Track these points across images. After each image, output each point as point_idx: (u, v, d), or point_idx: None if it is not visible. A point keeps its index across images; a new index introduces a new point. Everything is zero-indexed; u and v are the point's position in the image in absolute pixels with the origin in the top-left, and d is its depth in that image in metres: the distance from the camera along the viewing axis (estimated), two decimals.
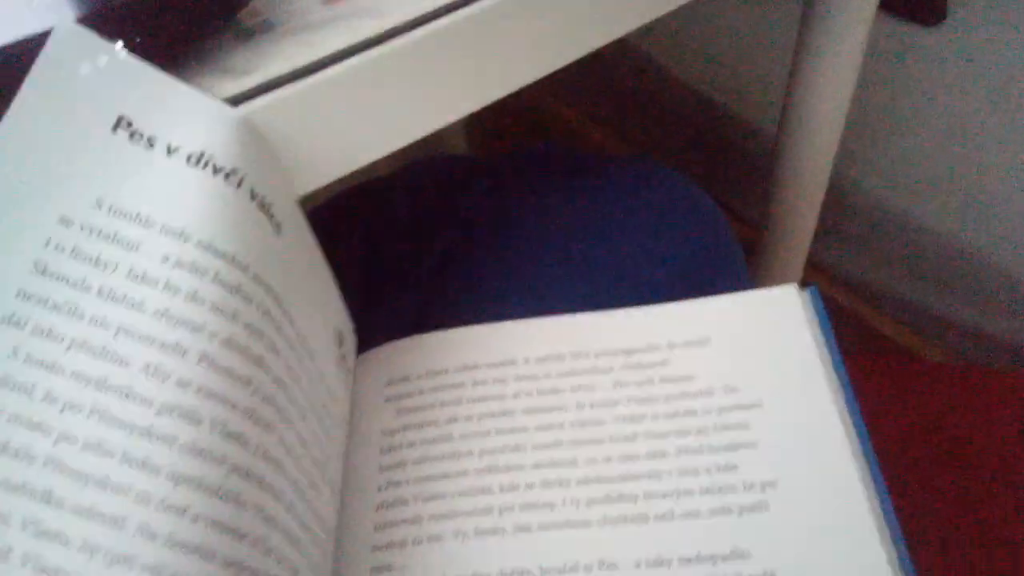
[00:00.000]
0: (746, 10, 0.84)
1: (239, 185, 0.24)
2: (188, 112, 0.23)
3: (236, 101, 0.24)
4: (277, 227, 0.25)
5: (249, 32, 0.26)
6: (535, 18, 0.29)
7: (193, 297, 0.22)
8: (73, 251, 0.21)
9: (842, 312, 0.76)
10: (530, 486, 0.29)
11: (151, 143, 0.23)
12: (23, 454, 0.19)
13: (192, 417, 0.21)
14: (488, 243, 0.42)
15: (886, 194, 0.72)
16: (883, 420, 0.59)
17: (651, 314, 0.34)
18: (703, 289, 0.34)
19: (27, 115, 0.21)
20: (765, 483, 0.28)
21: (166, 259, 0.22)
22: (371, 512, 0.30)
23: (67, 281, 0.21)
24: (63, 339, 0.21)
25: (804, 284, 0.33)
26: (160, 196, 0.22)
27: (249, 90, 0.24)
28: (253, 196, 0.24)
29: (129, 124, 0.23)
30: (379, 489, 0.30)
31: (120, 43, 0.23)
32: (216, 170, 0.23)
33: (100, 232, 0.22)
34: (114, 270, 0.21)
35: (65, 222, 0.21)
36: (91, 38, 0.22)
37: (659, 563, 0.26)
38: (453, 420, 0.31)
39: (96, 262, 0.21)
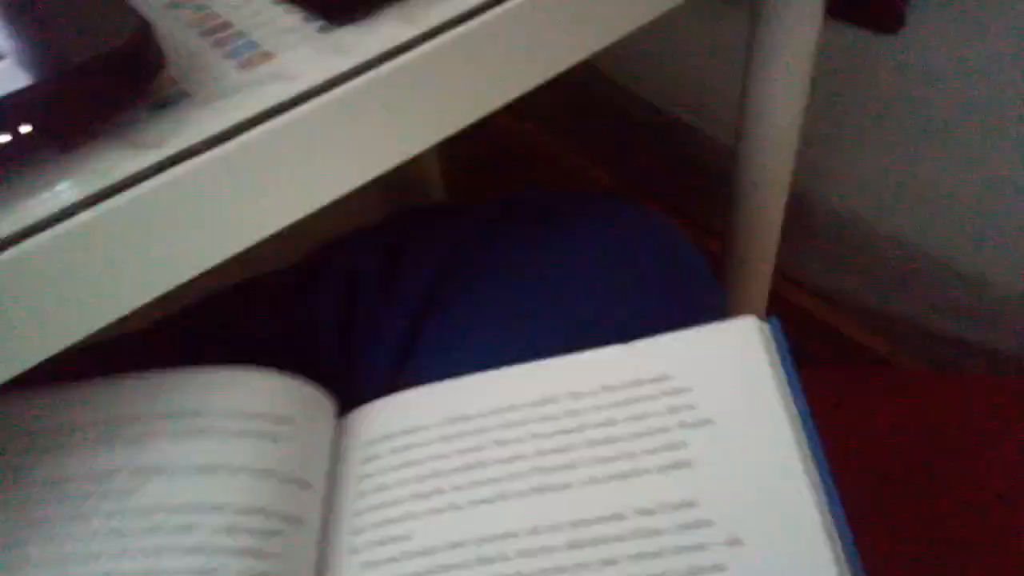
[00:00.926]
0: (699, 25, 0.84)
1: None
2: None
3: (144, 176, 0.25)
4: None
5: (162, 103, 0.26)
6: (466, 67, 0.30)
7: None
8: None
9: (814, 321, 0.76)
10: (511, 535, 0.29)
11: None
12: None
13: None
14: (463, 293, 0.43)
15: (852, 203, 0.72)
16: (856, 426, 0.60)
17: (612, 354, 0.34)
18: (681, 326, 0.34)
19: None
20: (722, 523, 0.28)
21: None
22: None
23: None
24: None
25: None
26: None
27: (158, 162, 0.25)
28: None
29: None
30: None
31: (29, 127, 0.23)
32: None
33: None
34: None
35: None
36: None
37: None
38: (435, 474, 0.32)
39: None
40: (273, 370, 0.35)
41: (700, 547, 0.27)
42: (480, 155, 0.97)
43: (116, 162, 0.25)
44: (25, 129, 0.23)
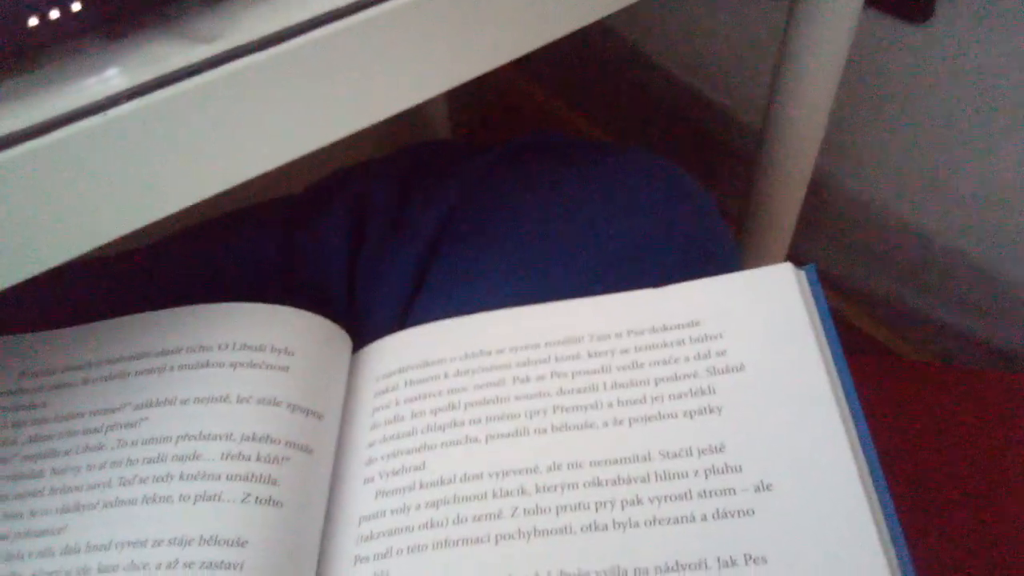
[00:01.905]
0: (733, 2, 0.83)
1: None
2: None
3: (196, 70, 0.23)
4: None
5: None
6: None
7: None
8: None
9: None
10: (534, 470, 0.28)
11: None
12: None
13: None
14: (474, 230, 0.42)
15: (867, 190, 0.71)
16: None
17: (639, 298, 0.33)
18: (694, 276, 0.33)
19: None
20: (756, 469, 0.27)
21: None
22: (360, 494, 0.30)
23: None
24: None
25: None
26: None
27: (211, 57, 0.23)
28: None
29: None
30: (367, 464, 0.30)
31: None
32: None
33: None
34: None
35: None
36: None
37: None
38: (452, 407, 0.31)
39: None
40: (283, 305, 0.34)
41: (728, 492, 0.27)
42: (492, 119, 0.96)
43: (167, 54, 0.23)
44: (76, 7, 0.22)
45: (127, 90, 0.22)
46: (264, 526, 0.28)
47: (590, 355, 0.31)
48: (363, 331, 0.37)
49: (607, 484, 0.27)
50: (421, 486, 0.29)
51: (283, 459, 0.30)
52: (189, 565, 0.27)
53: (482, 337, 0.33)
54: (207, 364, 0.32)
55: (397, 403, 0.32)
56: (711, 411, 0.29)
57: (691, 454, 0.28)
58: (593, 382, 0.30)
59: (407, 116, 0.29)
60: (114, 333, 0.34)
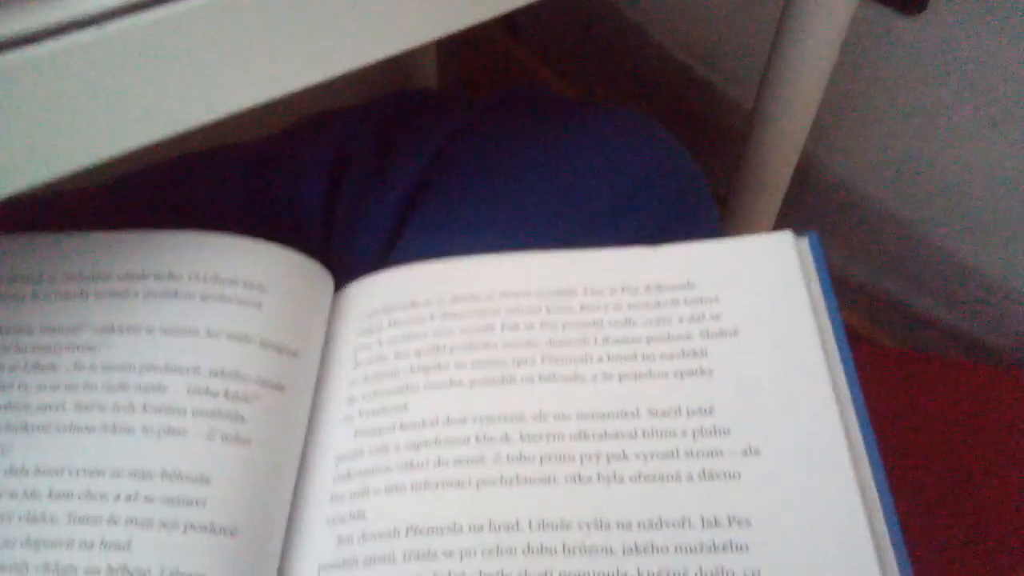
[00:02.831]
0: None
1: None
2: None
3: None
4: None
5: None
6: None
7: None
8: None
9: None
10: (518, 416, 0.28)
11: None
12: None
13: None
14: (458, 179, 0.40)
15: (852, 176, 0.72)
16: None
17: (636, 255, 0.32)
18: (676, 236, 0.33)
19: None
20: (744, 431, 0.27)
21: None
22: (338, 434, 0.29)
23: None
24: None
25: None
26: None
27: None
28: None
29: None
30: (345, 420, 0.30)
31: None
32: None
33: None
34: None
35: None
36: None
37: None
38: (437, 349, 0.30)
39: None
40: (258, 239, 0.33)
41: (715, 454, 0.26)
42: (480, 83, 0.94)
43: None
44: None
45: (120, 6, 0.21)
46: (229, 464, 0.27)
47: (582, 308, 0.31)
48: (340, 274, 0.36)
49: (593, 438, 0.27)
50: (402, 427, 0.28)
51: (252, 396, 0.29)
52: (150, 499, 0.26)
53: (472, 281, 0.32)
54: (176, 294, 0.31)
55: (380, 343, 0.31)
56: (702, 373, 0.28)
57: (680, 414, 0.27)
58: (584, 335, 0.30)
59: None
60: (72, 248, 0.32)
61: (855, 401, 0.27)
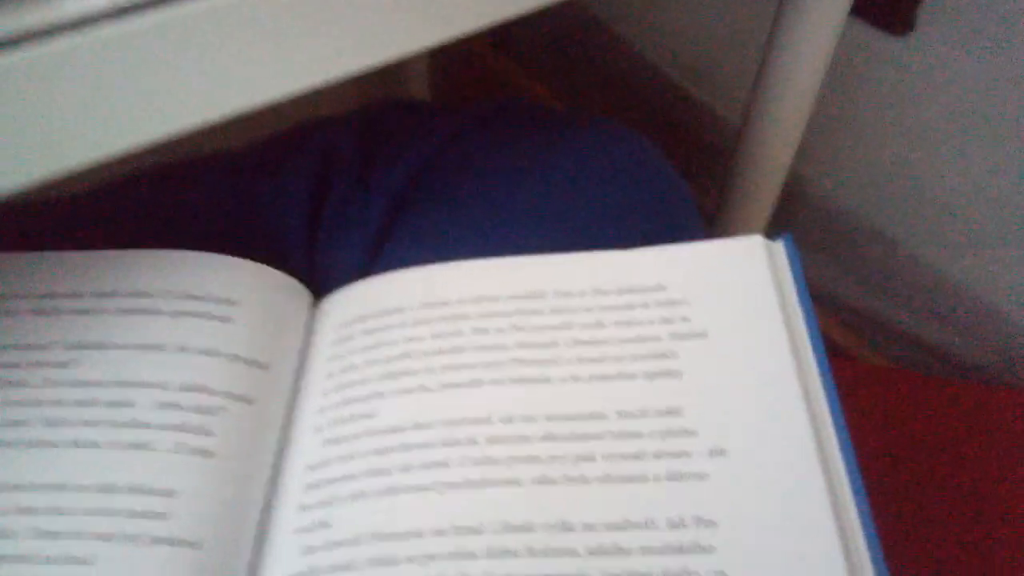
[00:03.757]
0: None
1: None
2: None
3: None
4: None
5: None
6: None
7: None
8: None
9: None
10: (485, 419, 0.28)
11: None
12: None
13: None
14: (443, 189, 0.41)
15: (837, 195, 0.72)
16: None
17: (606, 259, 0.32)
18: (659, 243, 0.33)
19: None
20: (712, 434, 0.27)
21: None
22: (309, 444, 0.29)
23: None
24: None
25: None
26: None
27: None
28: None
29: None
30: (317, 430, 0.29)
31: None
32: None
33: None
34: None
35: None
36: None
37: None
38: (407, 356, 0.30)
39: None
40: (235, 255, 0.33)
41: (682, 455, 0.26)
42: (468, 98, 0.94)
43: None
44: None
45: (111, 7, 0.21)
46: (195, 477, 0.27)
47: (553, 311, 0.31)
48: (324, 285, 0.36)
49: (561, 439, 0.27)
50: (369, 434, 0.28)
51: (219, 409, 0.29)
52: (114, 513, 0.26)
53: (443, 287, 0.32)
54: (145, 311, 0.31)
55: (352, 352, 0.31)
56: (671, 375, 0.28)
57: (647, 415, 0.27)
58: (554, 338, 0.30)
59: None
60: (46, 267, 0.32)
61: (830, 404, 0.27)
